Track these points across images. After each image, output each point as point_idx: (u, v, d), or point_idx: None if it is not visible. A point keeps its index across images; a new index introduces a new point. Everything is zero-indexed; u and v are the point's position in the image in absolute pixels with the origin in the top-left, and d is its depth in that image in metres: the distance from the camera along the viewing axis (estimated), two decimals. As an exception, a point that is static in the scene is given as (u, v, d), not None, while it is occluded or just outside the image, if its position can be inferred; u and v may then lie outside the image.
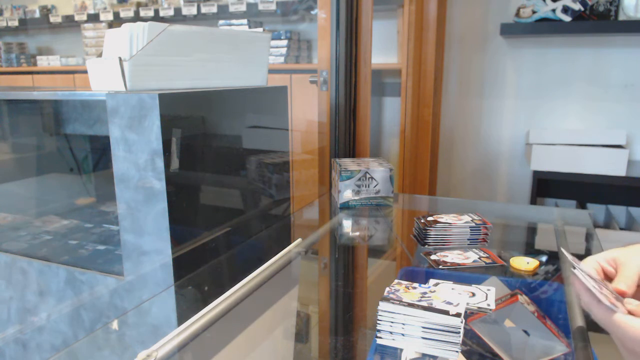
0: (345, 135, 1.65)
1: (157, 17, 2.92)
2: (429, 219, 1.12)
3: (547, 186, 2.23)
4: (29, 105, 1.58)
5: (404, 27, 2.03)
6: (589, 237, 1.22)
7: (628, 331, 0.51)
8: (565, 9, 1.98)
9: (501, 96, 2.30)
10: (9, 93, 1.24)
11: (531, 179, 2.06)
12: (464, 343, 0.69)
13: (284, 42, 2.57)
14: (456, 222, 1.09)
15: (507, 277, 0.91)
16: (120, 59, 0.93)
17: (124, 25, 0.95)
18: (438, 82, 2.26)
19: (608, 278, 0.61)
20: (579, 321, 0.75)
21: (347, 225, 1.33)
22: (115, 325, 0.98)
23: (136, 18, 3.03)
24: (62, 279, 1.09)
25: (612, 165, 1.92)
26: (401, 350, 0.66)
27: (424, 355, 0.65)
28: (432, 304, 0.66)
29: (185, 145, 0.96)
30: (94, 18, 3.20)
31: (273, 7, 2.61)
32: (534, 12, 2.03)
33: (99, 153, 1.69)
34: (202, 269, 1.02)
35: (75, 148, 1.68)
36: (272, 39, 2.57)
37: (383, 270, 1.13)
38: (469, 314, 0.74)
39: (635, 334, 0.51)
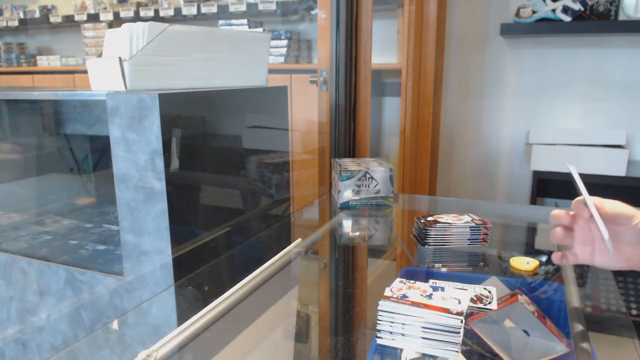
0: (345, 135, 1.65)
1: (157, 17, 2.92)
2: (429, 219, 1.12)
3: (547, 186, 2.23)
4: (29, 105, 1.58)
5: (404, 27, 2.03)
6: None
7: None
8: (565, 9, 1.98)
9: (501, 96, 2.30)
10: (9, 93, 1.24)
11: (531, 179, 2.06)
12: (464, 343, 0.69)
13: (284, 42, 2.57)
14: (456, 222, 1.09)
15: (507, 277, 0.91)
16: (120, 59, 0.93)
17: (124, 25, 0.95)
18: (438, 82, 2.26)
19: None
20: (579, 321, 0.75)
21: (347, 225, 1.33)
22: (115, 325, 0.98)
23: (136, 18, 3.03)
24: (62, 279, 1.09)
25: (612, 165, 1.92)
26: (401, 350, 0.66)
27: (424, 355, 0.65)
28: (432, 303, 0.66)
29: (185, 145, 0.96)
30: (94, 18, 3.20)
31: (273, 7, 2.60)
32: (534, 12, 2.03)
33: (99, 153, 1.69)
34: (202, 269, 1.02)
35: (75, 148, 1.68)
36: (272, 39, 2.57)
37: (383, 270, 1.13)
38: (469, 314, 0.74)
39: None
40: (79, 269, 1.07)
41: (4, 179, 1.59)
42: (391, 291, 0.70)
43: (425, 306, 0.66)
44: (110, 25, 3.17)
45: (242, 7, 2.67)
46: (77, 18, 3.25)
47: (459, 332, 0.63)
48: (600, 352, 0.68)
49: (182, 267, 0.97)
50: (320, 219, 1.44)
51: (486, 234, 1.08)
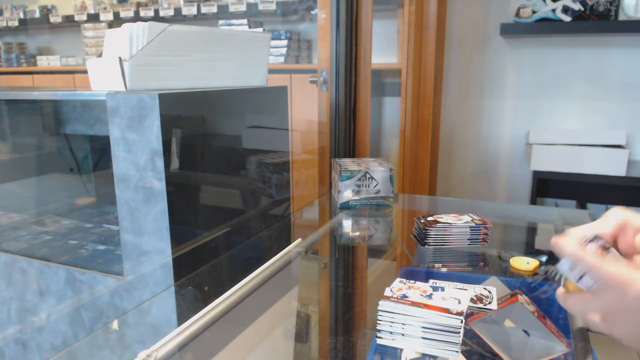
0: (345, 135, 1.65)
1: (157, 17, 2.92)
2: (429, 219, 1.12)
3: (547, 186, 2.23)
4: (29, 105, 1.58)
5: (404, 27, 2.03)
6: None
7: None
8: (565, 9, 1.98)
9: (501, 96, 2.30)
10: (9, 93, 1.24)
11: (531, 179, 2.06)
12: (464, 343, 0.69)
13: (284, 42, 2.57)
14: (456, 222, 1.09)
15: (507, 277, 0.91)
16: (120, 59, 0.93)
17: (124, 25, 0.95)
18: (438, 82, 2.26)
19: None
20: (579, 321, 0.75)
21: (347, 225, 1.33)
22: (115, 325, 0.98)
23: (136, 18, 3.03)
24: (62, 279, 1.09)
25: (612, 165, 1.92)
26: (401, 350, 0.66)
27: (424, 355, 0.65)
28: (432, 303, 0.66)
29: (185, 145, 0.96)
30: (94, 18, 3.20)
31: (273, 7, 2.60)
32: (534, 12, 2.03)
33: (99, 153, 1.69)
34: (202, 269, 1.02)
35: (75, 148, 1.68)
36: (272, 39, 2.57)
37: (383, 270, 1.13)
38: (469, 314, 0.74)
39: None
40: (79, 269, 1.07)
41: (4, 179, 1.59)
42: (391, 291, 0.70)
43: (425, 306, 0.66)
44: (110, 25, 3.17)
45: (242, 7, 2.67)
46: (77, 18, 3.25)
47: (459, 332, 0.63)
48: (600, 352, 0.68)
49: (182, 267, 0.97)
50: (320, 219, 1.44)
51: (486, 234, 1.08)
